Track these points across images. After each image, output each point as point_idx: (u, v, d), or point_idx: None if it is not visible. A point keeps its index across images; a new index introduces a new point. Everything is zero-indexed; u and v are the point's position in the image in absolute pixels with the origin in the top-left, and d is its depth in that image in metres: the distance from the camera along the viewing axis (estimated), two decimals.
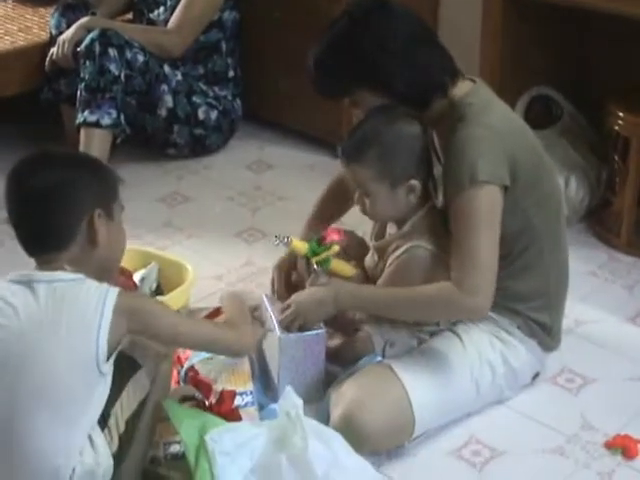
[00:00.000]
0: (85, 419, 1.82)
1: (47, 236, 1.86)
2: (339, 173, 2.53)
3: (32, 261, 1.89)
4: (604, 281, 2.88)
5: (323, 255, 2.35)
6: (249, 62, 3.69)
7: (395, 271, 2.28)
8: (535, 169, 2.25)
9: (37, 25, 3.69)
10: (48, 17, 3.63)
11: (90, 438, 1.84)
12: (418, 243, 2.24)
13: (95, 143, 3.25)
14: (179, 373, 2.28)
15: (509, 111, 2.33)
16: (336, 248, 2.37)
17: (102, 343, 1.79)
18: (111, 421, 1.88)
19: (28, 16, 3.78)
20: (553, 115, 3.27)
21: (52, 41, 3.48)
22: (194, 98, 3.50)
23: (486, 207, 2.13)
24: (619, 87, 3.04)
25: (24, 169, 1.88)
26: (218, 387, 2.25)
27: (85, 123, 3.26)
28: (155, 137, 3.54)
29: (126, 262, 2.34)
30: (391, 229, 2.36)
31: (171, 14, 3.45)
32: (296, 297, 2.31)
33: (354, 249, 2.52)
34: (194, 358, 2.31)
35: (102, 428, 1.86)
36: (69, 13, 3.52)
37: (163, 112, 3.45)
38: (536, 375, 2.40)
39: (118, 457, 1.89)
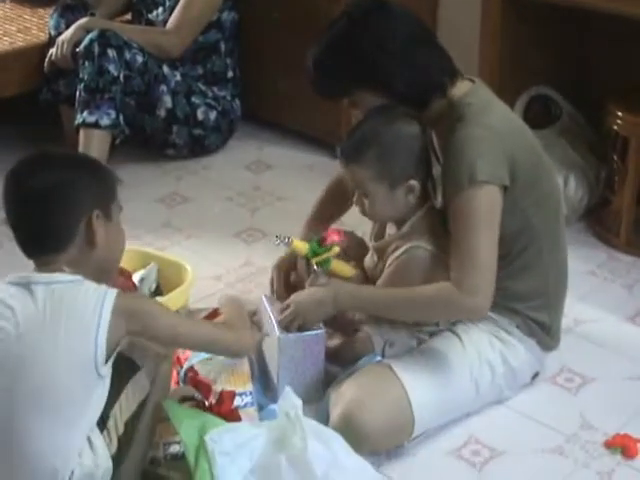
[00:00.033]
0: (84, 421, 1.82)
1: (46, 237, 1.86)
2: (338, 173, 2.53)
3: (31, 263, 1.89)
4: (603, 280, 2.88)
5: (324, 256, 2.35)
6: (248, 62, 3.68)
7: (395, 271, 2.28)
8: (534, 169, 2.25)
9: (36, 26, 3.68)
10: (47, 18, 3.63)
11: (89, 440, 1.83)
12: (417, 243, 2.24)
13: (94, 144, 3.25)
14: (179, 374, 2.28)
15: (508, 111, 2.33)
16: (337, 249, 2.37)
17: (101, 344, 1.78)
18: (110, 423, 1.88)
19: (27, 17, 3.78)
20: (552, 115, 3.27)
21: (51, 42, 3.48)
22: (193, 98, 3.50)
23: (485, 207, 2.13)
24: (619, 87, 3.04)
25: (23, 170, 1.88)
26: (218, 387, 2.25)
27: (84, 124, 3.26)
28: (154, 137, 3.53)
29: (125, 263, 2.34)
30: (390, 230, 2.36)
31: (170, 15, 3.45)
32: (295, 297, 2.31)
33: (354, 250, 2.52)
34: (194, 359, 2.31)
35: (101, 430, 1.86)
36: (68, 14, 3.52)
37: (162, 112, 3.45)
38: (535, 375, 2.40)
39: (117, 459, 1.89)
